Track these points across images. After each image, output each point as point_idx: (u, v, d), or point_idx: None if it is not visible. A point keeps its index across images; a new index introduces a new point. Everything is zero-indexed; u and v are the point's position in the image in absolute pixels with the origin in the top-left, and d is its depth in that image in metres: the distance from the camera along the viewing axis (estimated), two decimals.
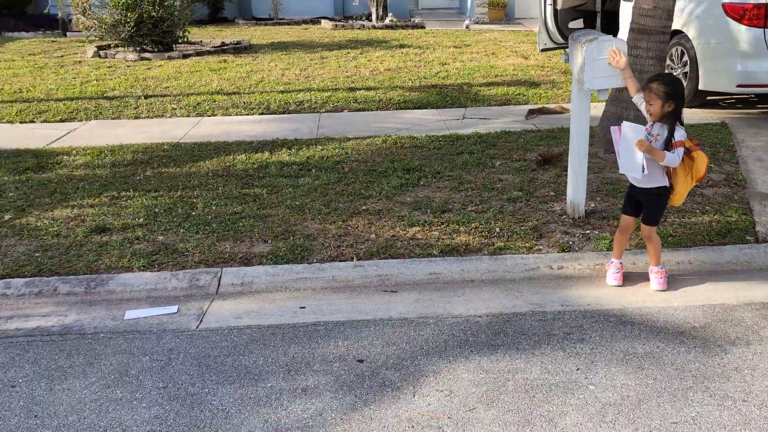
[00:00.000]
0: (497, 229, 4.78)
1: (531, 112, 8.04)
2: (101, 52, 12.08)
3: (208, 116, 8.33)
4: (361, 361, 3.39)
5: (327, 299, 4.08)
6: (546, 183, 5.66)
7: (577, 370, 3.27)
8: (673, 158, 3.73)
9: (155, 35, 11.87)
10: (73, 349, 3.55)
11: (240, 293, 4.17)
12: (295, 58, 12.02)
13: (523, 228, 4.80)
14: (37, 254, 4.54)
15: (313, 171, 6.11)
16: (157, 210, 5.23)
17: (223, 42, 13.46)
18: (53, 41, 14.23)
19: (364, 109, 8.54)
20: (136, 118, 8.24)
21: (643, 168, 3.75)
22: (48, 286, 4.19)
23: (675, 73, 7.89)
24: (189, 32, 13.16)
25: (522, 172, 5.95)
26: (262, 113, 8.42)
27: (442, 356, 3.41)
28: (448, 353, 3.44)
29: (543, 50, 9.82)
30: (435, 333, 3.64)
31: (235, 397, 3.12)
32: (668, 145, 3.73)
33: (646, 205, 3.99)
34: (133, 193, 5.58)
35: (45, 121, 8.05)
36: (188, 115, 8.34)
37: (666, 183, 3.89)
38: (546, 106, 8.37)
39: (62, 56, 12.22)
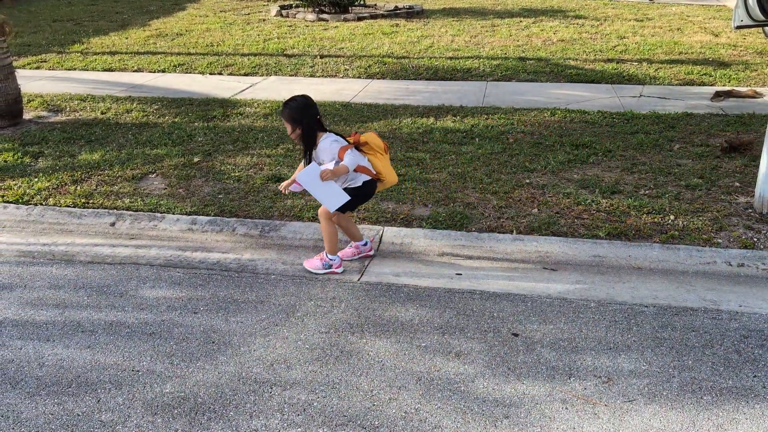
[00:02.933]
0: (671, 217, 4.48)
1: (718, 95, 7.37)
2: (283, 12, 12.71)
3: (377, 79, 8.51)
4: (516, 335, 3.36)
5: (483, 269, 4.07)
6: (731, 172, 5.19)
7: (755, 377, 3.01)
8: (347, 161, 3.74)
9: None
10: (247, 286, 3.85)
11: (399, 252, 4.27)
12: (465, 25, 11.89)
13: (701, 218, 4.45)
14: (220, 196, 4.94)
15: (477, 140, 6.06)
16: None
17: (396, 6, 13.62)
18: (241, 0, 15.22)
19: (533, 80, 8.29)
20: (311, 76, 8.61)
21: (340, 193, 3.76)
22: (228, 226, 4.55)
23: None
24: None
25: (704, 158, 5.50)
26: (429, 78, 8.45)
27: (602, 342, 3.29)
28: (608, 340, 3.31)
29: (738, 27, 8.87)
30: (596, 317, 3.51)
31: (390, 351, 3.22)
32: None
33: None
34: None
35: (231, 74, 8.66)
36: (359, 77, 8.57)
37: (357, 184, 3.87)
38: (736, 88, 7.62)
39: (248, 14, 13.02)
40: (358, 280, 3.94)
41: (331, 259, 4.01)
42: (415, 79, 8.44)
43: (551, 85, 8.10)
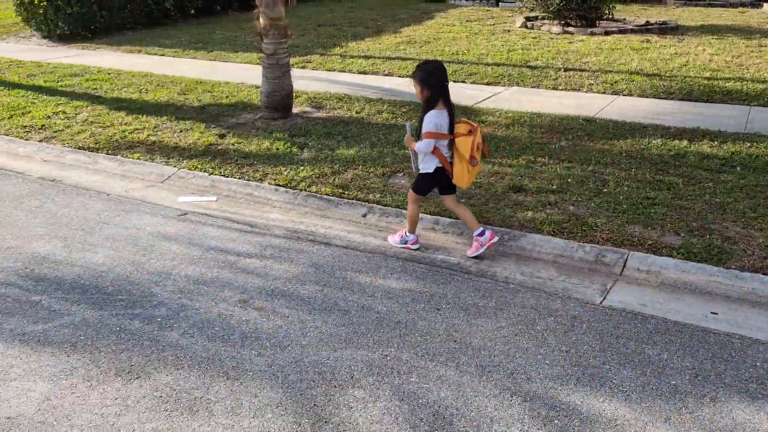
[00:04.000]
0: None
1: None
2: (528, 23, 12.68)
3: (624, 95, 8.13)
4: None
5: (743, 311, 3.70)
6: None
7: None
8: (421, 146, 4.09)
9: (582, 10, 11.96)
10: (486, 291, 3.92)
11: (645, 280, 4.05)
12: (726, 44, 10.87)
13: None
14: (462, 200, 5.07)
15: (738, 168, 5.52)
16: (569, 180, 5.36)
17: (647, 21, 12.89)
18: (487, 10, 15.44)
19: None
20: (554, 89, 8.48)
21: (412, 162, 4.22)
22: (467, 230, 4.66)
23: None
24: (614, 9, 12.92)
25: None
26: (682, 98, 7.87)
27: None
28: None
29: None
30: None
31: (636, 384, 3.07)
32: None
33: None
34: (547, 160, 5.81)
35: (473, 82, 8.85)
36: (604, 92, 8.26)
37: (430, 170, 4.16)
38: None
39: (494, 25, 13.20)
40: (600, 303, 3.81)
41: (407, 236, 4.43)
42: (666, 99, 7.91)
43: None
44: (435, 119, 4.04)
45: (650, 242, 4.38)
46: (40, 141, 6.83)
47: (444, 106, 4.07)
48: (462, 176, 4.13)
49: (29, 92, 8.69)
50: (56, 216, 5.06)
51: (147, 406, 2.97)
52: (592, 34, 11.82)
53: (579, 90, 8.41)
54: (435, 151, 4.11)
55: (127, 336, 3.49)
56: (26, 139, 6.90)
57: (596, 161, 5.76)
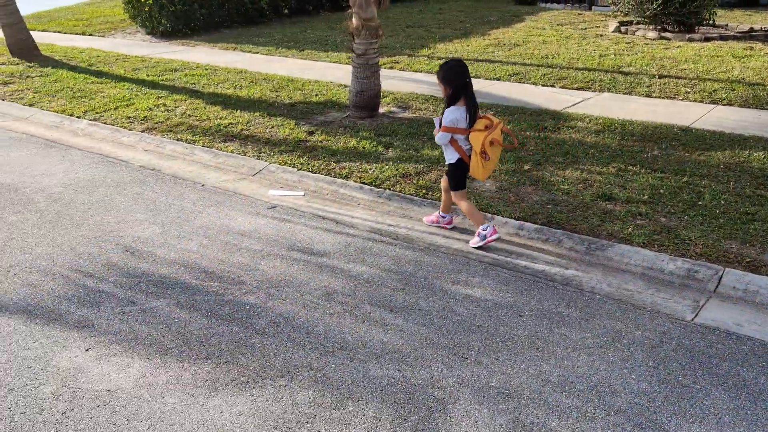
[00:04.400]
0: None
1: None
2: (622, 28, 12.29)
3: (723, 105, 7.75)
4: None
5: None
6: None
7: None
8: (438, 138, 4.46)
9: (680, 15, 11.48)
10: (571, 301, 3.85)
11: (741, 299, 3.87)
12: None
13: None
14: (548, 206, 5.00)
15: None
16: (662, 191, 5.18)
17: (751, 28, 12.23)
18: (579, 14, 15.07)
19: None
20: (647, 96, 8.20)
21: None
22: (554, 237, 4.60)
23: None
24: (716, 15, 12.33)
25: None
26: None
27: None
28: None
29: None
30: None
31: (729, 407, 2.94)
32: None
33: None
34: (639, 169, 5.63)
35: (563, 87, 8.67)
36: (701, 101, 7.91)
37: (452, 160, 4.47)
38: None
39: (585, 29, 12.87)
40: (692, 320, 3.66)
41: (481, 231, 4.48)
42: None
43: None
44: (452, 115, 4.36)
45: (748, 260, 4.17)
46: (142, 131, 7.21)
47: (464, 102, 4.35)
48: (476, 169, 4.42)
49: (133, 85, 9.18)
50: (155, 203, 5.34)
51: (234, 390, 3.09)
52: (690, 40, 11.34)
53: (674, 98, 8.09)
54: (453, 143, 4.43)
55: (217, 321, 3.65)
56: (129, 129, 7.31)
57: (691, 172, 5.54)
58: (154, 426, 2.89)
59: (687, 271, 4.13)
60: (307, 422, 2.89)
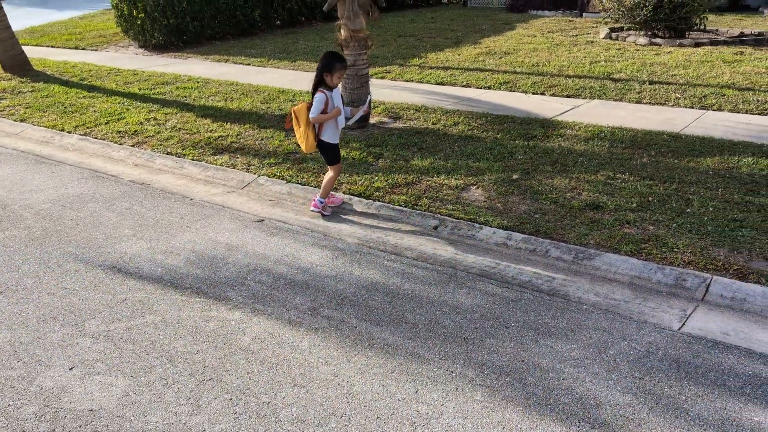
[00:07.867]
0: None
1: None
2: (612, 35, 12.34)
3: (714, 110, 7.77)
4: None
5: None
6: None
7: None
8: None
9: (671, 21, 11.53)
10: (558, 311, 3.83)
11: (728, 307, 3.86)
12: None
13: None
14: (536, 215, 5.00)
15: None
16: (650, 198, 5.18)
17: (741, 32, 12.28)
18: (570, 21, 15.14)
19: None
20: (637, 102, 8.21)
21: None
22: (541, 247, 4.59)
23: None
24: (707, 20, 12.38)
25: None
26: None
27: None
28: None
29: None
30: None
31: (714, 418, 2.93)
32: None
33: None
34: (627, 177, 5.63)
35: (553, 94, 8.68)
36: (691, 107, 7.93)
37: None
38: None
39: (576, 36, 12.92)
40: (679, 329, 3.65)
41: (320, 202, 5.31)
42: (760, 115, 7.51)
43: None
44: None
45: (736, 267, 4.16)
46: (133, 146, 7.20)
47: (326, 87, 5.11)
48: (300, 139, 5.18)
49: (125, 99, 9.19)
50: (143, 218, 5.33)
51: (217, 408, 3.07)
52: (681, 45, 11.38)
53: (664, 104, 8.11)
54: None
55: (202, 337, 3.63)
56: (120, 144, 7.30)
57: (680, 179, 5.54)
58: None
59: (675, 279, 4.12)
60: None
